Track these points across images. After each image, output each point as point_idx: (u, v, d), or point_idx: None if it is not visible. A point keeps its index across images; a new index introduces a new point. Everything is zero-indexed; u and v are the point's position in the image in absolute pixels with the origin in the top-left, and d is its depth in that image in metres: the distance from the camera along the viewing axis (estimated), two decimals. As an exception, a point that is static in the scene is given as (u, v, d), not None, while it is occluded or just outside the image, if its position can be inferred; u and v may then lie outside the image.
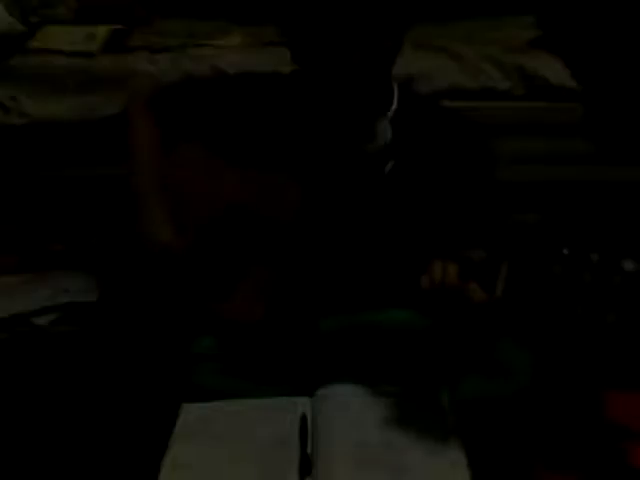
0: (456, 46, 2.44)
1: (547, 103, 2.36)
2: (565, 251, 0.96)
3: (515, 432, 1.15)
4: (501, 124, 2.24)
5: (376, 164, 1.38)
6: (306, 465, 1.09)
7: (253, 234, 1.36)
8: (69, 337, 1.62)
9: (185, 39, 2.55)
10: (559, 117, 2.34)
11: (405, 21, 1.31)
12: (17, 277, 2.07)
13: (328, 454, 1.10)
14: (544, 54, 2.43)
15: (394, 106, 1.39)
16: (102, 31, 2.52)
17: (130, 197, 1.41)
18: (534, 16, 2.63)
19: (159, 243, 1.35)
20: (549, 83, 2.34)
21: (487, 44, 2.47)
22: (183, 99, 1.49)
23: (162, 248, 1.35)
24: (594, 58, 2.40)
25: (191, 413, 1.20)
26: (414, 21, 1.36)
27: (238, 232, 1.37)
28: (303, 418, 1.17)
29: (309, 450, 1.12)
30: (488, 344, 1.29)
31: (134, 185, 1.41)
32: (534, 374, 1.23)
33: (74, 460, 1.14)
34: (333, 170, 1.38)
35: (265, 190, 1.37)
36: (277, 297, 1.34)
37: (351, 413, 1.18)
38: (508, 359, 1.27)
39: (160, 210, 1.39)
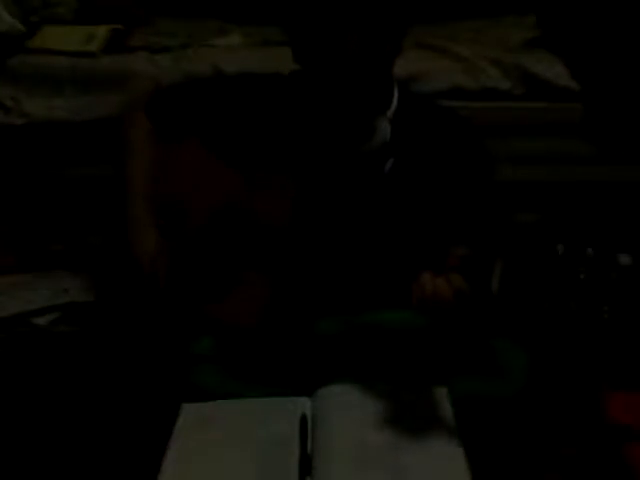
0: (456, 46, 2.44)
1: (547, 103, 2.36)
2: (560, 248, 0.96)
3: (515, 432, 1.15)
4: (501, 124, 2.25)
5: (375, 163, 1.38)
6: (306, 465, 1.09)
7: (250, 235, 1.36)
8: (69, 337, 1.62)
9: (185, 39, 2.55)
10: (559, 117, 2.34)
11: (406, 18, 1.31)
12: (17, 277, 2.07)
13: (328, 454, 1.10)
14: (544, 54, 2.43)
15: (394, 105, 1.40)
16: (102, 31, 2.52)
17: (119, 211, 1.42)
18: (534, 16, 2.63)
19: (140, 261, 1.36)
20: (549, 83, 2.34)
21: (487, 44, 2.47)
22: (182, 99, 1.49)
23: (140, 267, 1.36)
24: (594, 58, 2.40)
25: (191, 413, 1.20)
26: (415, 19, 1.36)
27: (235, 233, 1.37)
28: (303, 418, 1.17)
29: (309, 450, 1.12)
30: (486, 344, 1.29)
31: (122, 199, 1.42)
32: (532, 374, 1.23)
33: (74, 460, 1.14)
34: (332, 169, 1.38)
35: (264, 190, 1.38)
36: (274, 298, 1.34)
37: (351, 413, 1.18)
38: (506, 359, 1.27)
39: (145, 228, 1.39)
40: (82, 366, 1.33)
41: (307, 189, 1.37)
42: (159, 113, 1.47)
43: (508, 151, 2.18)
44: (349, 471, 1.08)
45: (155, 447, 1.12)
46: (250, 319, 1.32)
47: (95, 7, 2.66)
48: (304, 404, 1.20)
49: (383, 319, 1.36)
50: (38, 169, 2.27)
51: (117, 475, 1.11)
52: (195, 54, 2.44)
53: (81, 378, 1.30)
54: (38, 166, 2.27)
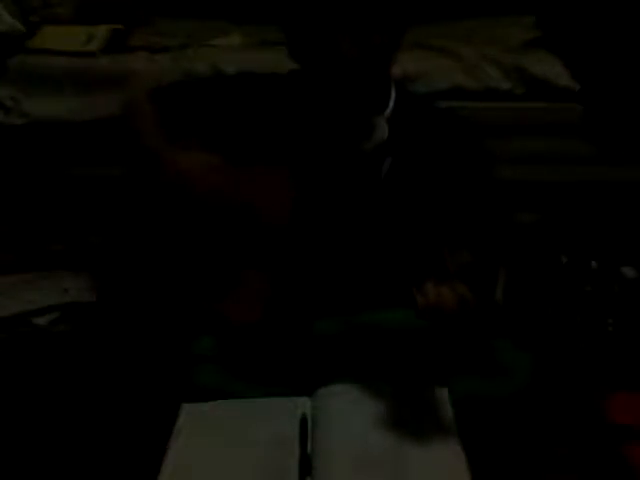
0: (456, 46, 2.44)
1: (547, 103, 2.35)
2: (564, 259, 0.96)
3: (515, 432, 1.15)
4: (501, 124, 2.25)
5: (373, 162, 1.39)
6: (306, 465, 1.09)
7: (250, 234, 1.36)
8: (69, 337, 1.62)
9: (185, 39, 2.55)
10: (559, 117, 2.33)
11: (403, 17, 1.31)
12: (17, 277, 2.07)
13: (328, 454, 1.10)
14: (544, 54, 2.43)
15: (391, 105, 1.40)
16: (102, 31, 2.52)
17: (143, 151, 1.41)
18: (534, 16, 2.63)
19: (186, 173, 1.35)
20: (549, 83, 2.34)
21: (487, 44, 2.47)
22: (182, 98, 1.49)
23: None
24: (594, 58, 2.40)
25: (191, 413, 1.20)
26: (414, 19, 1.36)
27: (235, 232, 1.37)
28: (303, 418, 1.17)
29: (309, 450, 1.12)
30: (487, 344, 1.29)
31: (145, 140, 1.40)
32: (534, 374, 1.23)
33: (74, 460, 1.14)
34: (331, 168, 1.39)
35: (264, 189, 1.38)
36: (275, 298, 1.34)
37: (351, 413, 1.18)
38: (508, 359, 1.27)
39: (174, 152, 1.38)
40: (82, 366, 1.33)
41: (306, 188, 1.37)
42: (160, 111, 1.47)
43: (508, 151, 2.18)
44: (349, 471, 1.08)
45: (155, 447, 1.12)
46: (252, 316, 1.32)
47: (95, 7, 2.66)
48: (304, 404, 1.20)
49: (383, 319, 1.36)
50: (38, 169, 2.27)
51: (117, 475, 1.11)
52: (195, 54, 2.44)
53: (81, 378, 1.30)
54: (38, 166, 2.27)
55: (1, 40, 2.44)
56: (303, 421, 1.16)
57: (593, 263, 0.94)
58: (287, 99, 1.42)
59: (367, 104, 1.36)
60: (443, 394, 1.20)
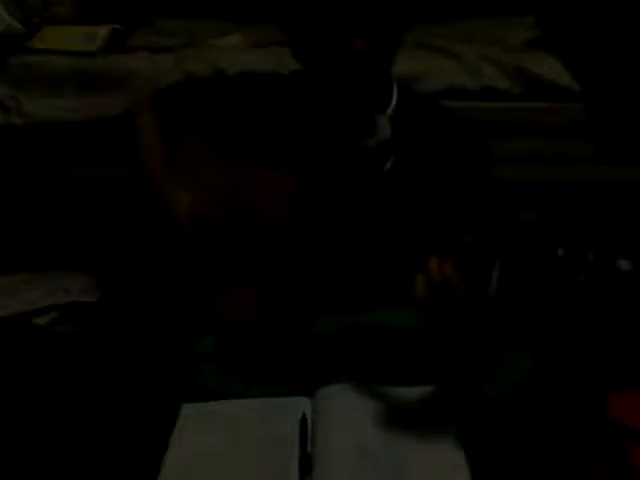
0: (456, 46, 2.44)
1: (547, 103, 2.36)
2: (560, 252, 0.96)
3: (516, 432, 1.15)
4: (501, 124, 2.25)
5: (376, 161, 1.39)
6: (306, 465, 1.09)
7: (251, 233, 1.36)
8: (69, 337, 1.62)
9: (185, 39, 2.56)
10: (559, 117, 2.34)
11: (405, 12, 1.31)
12: (17, 277, 2.07)
13: (328, 454, 1.10)
14: (544, 54, 2.43)
15: (393, 104, 1.40)
16: (102, 31, 2.52)
17: (143, 180, 1.41)
18: (534, 16, 2.64)
19: (179, 215, 1.36)
20: (549, 83, 2.34)
21: (487, 44, 2.47)
22: (184, 99, 1.49)
23: (181, 221, 1.35)
24: (594, 58, 2.41)
25: (191, 413, 1.20)
26: (415, 19, 1.36)
27: (237, 231, 1.37)
28: (303, 418, 1.17)
29: (309, 450, 1.12)
30: (487, 343, 1.29)
31: (146, 168, 1.42)
32: (534, 374, 1.23)
33: (74, 460, 1.14)
34: (333, 167, 1.39)
35: (264, 188, 1.38)
36: (275, 297, 1.34)
37: (351, 413, 1.18)
38: (507, 358, 1.27)
39: (175, 186, 1.39)
40: (82, 366, 1.33)
41: (308, 186, 1.37)
42: (162, 113, 1.48)
43: (508, 151, 2.18)
44: (349, 471, 1.08)
45: (155, 447, 1.12)
46: (252, 314, 1.32)
47: (95, 7, 2.67)
48: (304, 404, 1.20)
49: (383, 318, 1.36)
50: (38, 169, 2.27)
51: (117, 475, 1.11)
52: (195, 54, 2.44)
53: (81, 378, 1.30)
54: (38, 166, 2.28)
55: (1, 40, 2.44)
56: (303, 421, 1.16)
57: (589, 255, 0.94)
58: (289, 99, 1.43)
59: (370, 102, 1.36)
60: (443, 394, 1.21)
